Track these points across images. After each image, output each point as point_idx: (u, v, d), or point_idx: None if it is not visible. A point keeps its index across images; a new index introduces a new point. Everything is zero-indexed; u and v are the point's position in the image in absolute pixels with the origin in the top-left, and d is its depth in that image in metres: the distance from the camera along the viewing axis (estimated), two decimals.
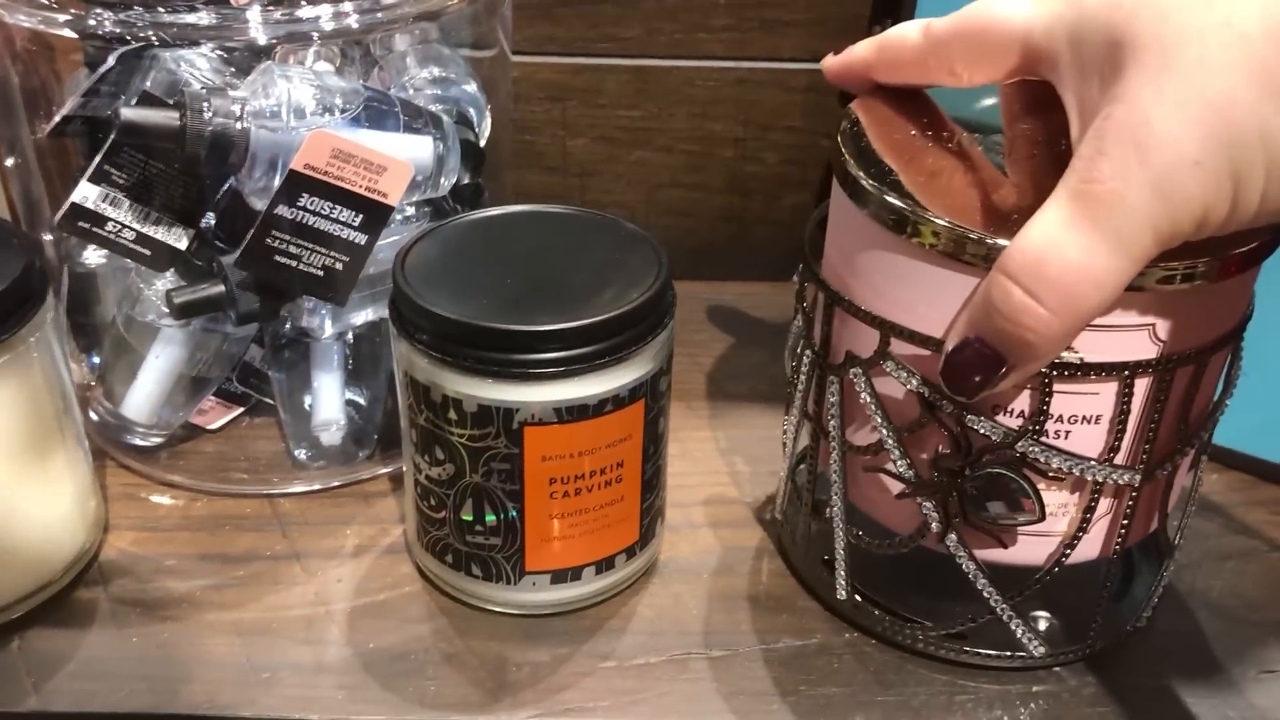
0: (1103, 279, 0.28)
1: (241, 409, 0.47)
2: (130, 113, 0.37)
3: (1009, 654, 0.38)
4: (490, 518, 0.37)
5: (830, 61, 0.37)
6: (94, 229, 0.40)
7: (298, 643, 0.38)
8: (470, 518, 0.37)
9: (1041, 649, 0.37)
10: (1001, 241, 0.30)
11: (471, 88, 0.46)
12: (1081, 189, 0.28)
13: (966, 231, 0.31)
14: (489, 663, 0.38)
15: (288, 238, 0.39)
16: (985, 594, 0.36)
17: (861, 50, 0.36)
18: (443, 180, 0.43)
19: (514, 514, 0.37)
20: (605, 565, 0.39)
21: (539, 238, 0.39)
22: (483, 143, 0.47)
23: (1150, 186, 0.27)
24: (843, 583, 0.38)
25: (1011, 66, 0.32)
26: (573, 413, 0.35)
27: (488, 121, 0.47)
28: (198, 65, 0.41)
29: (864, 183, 0.33)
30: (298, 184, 0.38)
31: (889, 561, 0.37)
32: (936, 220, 0.31)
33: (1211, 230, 0.28)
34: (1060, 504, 0.35)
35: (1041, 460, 0.34)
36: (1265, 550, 0.43)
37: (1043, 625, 0.39)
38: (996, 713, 0.36)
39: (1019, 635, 0.37)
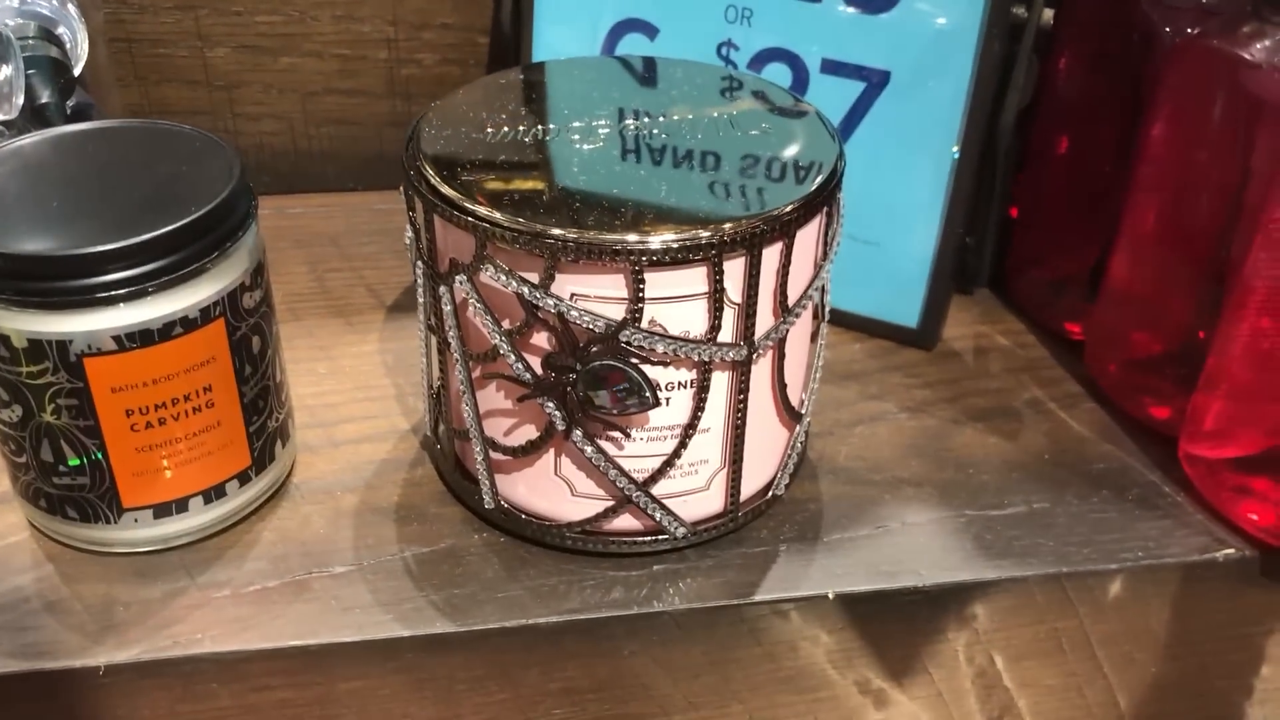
0: None
1: None
2: None
3: (649, 539, 0.38)
4: (74, 460, 0.35)
5: None
6: None
7: None
8: (51, 459, 0.35)
9: (682, 530, 0.38)
10: None
11: (58, 3, 0.42)
12: None
13: None
14: (95, 606, 0.36)
15: None
16: (619, 484, 0.36)
17: None
18: (16, 100, 0.40)
19: (97, 454, 0.35)
20: (216, 494, 0.37)
21: (100, 157, 0.37)
22: (81, 59, 0.43)
23: None
24: (486, 491, 0.38)
25: None
26: (135, 339, 0.33)
27: (83, 34, 0.44)
28: None
29: None
30: None
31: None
32: None
33: None
34: (675, 384, 0.35)
35: (646, 347, 0.34)
36: (895, 412, 0.45)
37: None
38: (616, 593, 0.37)
39: (659, 520, 0.37)
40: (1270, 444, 0.40)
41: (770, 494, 0.40)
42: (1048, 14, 0.42)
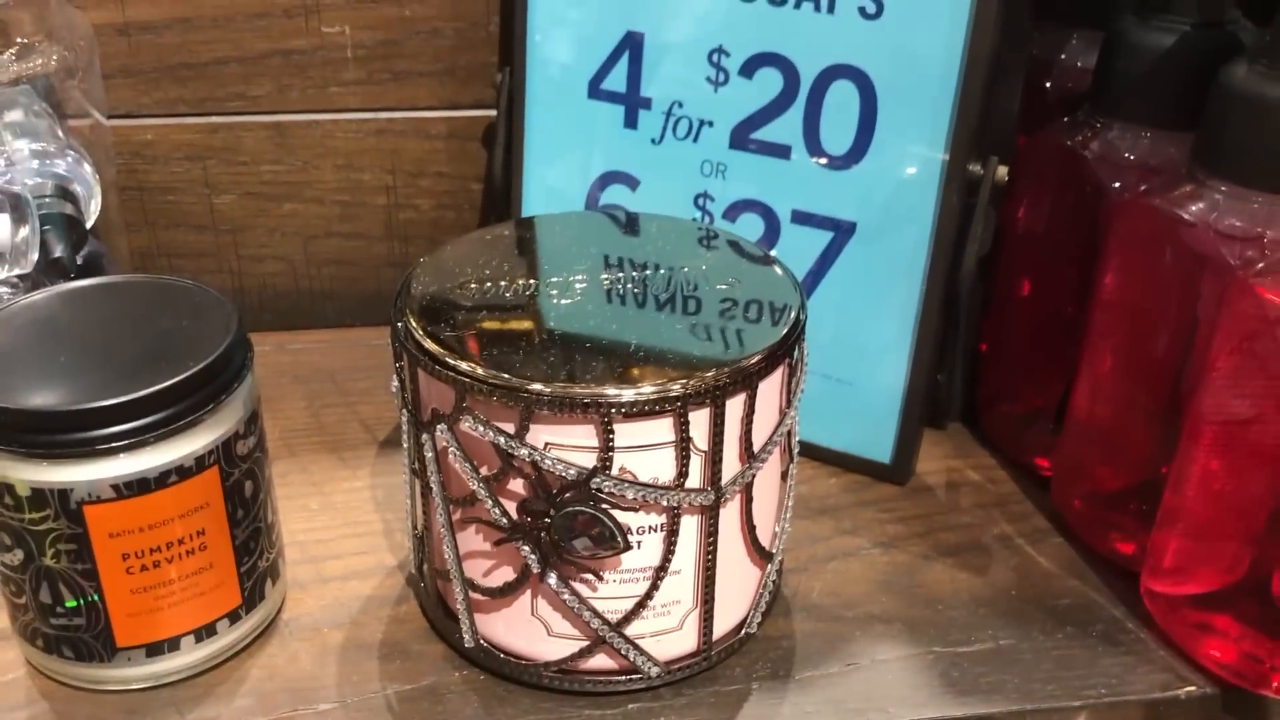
0: None
1: None
2: None
3: (624, 678, 0.39)
4: (71, 602, 0.37)
5: None
6: None
7: None
8: (50, 601, 0.37)
9: (656, 669, 0.39)
10: None
11: (71, 158, 0.45)
12: None
13: None
14: None
15: None
16: (593, 625, 0.38)
17: None
18: (30, 256, 0.42)
19: (94, 595, 0.36)
20: (206, 632, 0.39)
21: (106, 311, 0.39)
22: (94, 214, 0.46)
23: None
24: (466, 630, 0.39)
25: None
26: (132, 488, 0.35)
27: (97, 190, 0.47)
28: None
29: None
30: None
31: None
32: None
33: None
34: (646, 529, 0.37)
35: (616, 493, 0.35)
36: (868, 548, 0.46)
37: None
38: None
39: (633, 660, 0.38)
40: (1228, 581, 0.41)
41: (743, 632, 0.41)
42: (1002, 170, 0.45)
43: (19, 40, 0.42)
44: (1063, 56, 0.49)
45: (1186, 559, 0.42)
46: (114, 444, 0.35)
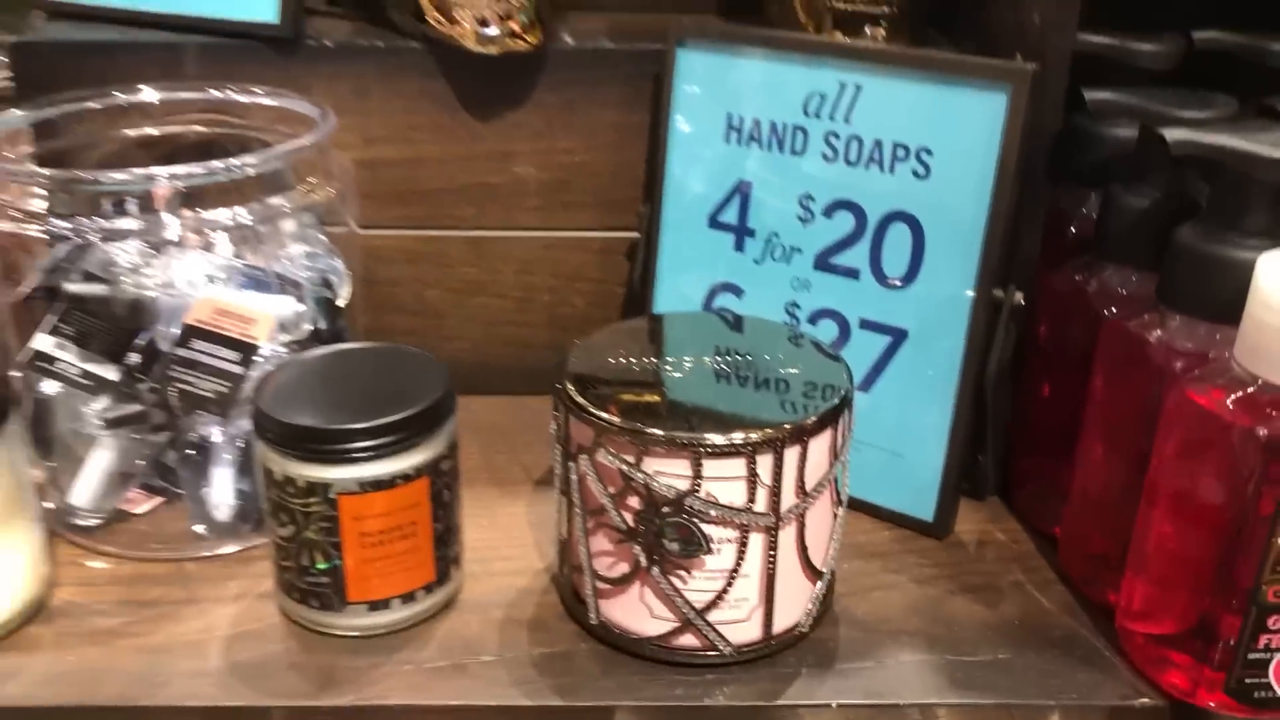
0: None
1: (160, 499, 0.63)
2: (74, 287, 0.54)
3: (705, 654, 0.53)
4: (321, 564, 0.53)
5: None
6: (49, 367, 0.57)
7: (186, 659, 0.53)
8: (307, 564, 0.53)
9: (729, 649, 0.53)
10: None
11: (331, 259, 0.63)
12: None
13: None
14: (323, 669, 0.53)
15: (185, 370, 0.56)
16: (683, 610, 0.52)
17: None
18: (304, 327, 0.60)
19: (337, 561, 0.52)
20: (408, 598, 0.54)
21: (357, 366, 0.56)
22: (343, 299, 0.64)
23: None
24: (592, 611, 0.54)
25: None
26: (371, 485, 0.51)
27: (346, 284, 0.64)
28: (127, 249, 0.58)
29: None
30: (189, 333, 0.55)
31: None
32: None
33: None
34: (724, 539, 0.51)
35: (702, 510, 0.50)
36: (906, 583, 0.59)
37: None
38: (678, 690, 0.52)
39: (711, 640, 0.52)
40: (1185, 626, 0.52)
41: (797, 630, 0.54)
42: (1019, 296, 0.58)
43: (308, 179, 0.60)
44: (1083, 210, 0.62)
45: (1151, 604, 0.53)
46: (361, 454, 0.51)
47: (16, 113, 0.62)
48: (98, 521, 0.61)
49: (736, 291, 0.66)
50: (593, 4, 0.75)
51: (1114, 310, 0.56)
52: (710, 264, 0.67)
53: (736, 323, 0.59)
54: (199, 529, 0.60)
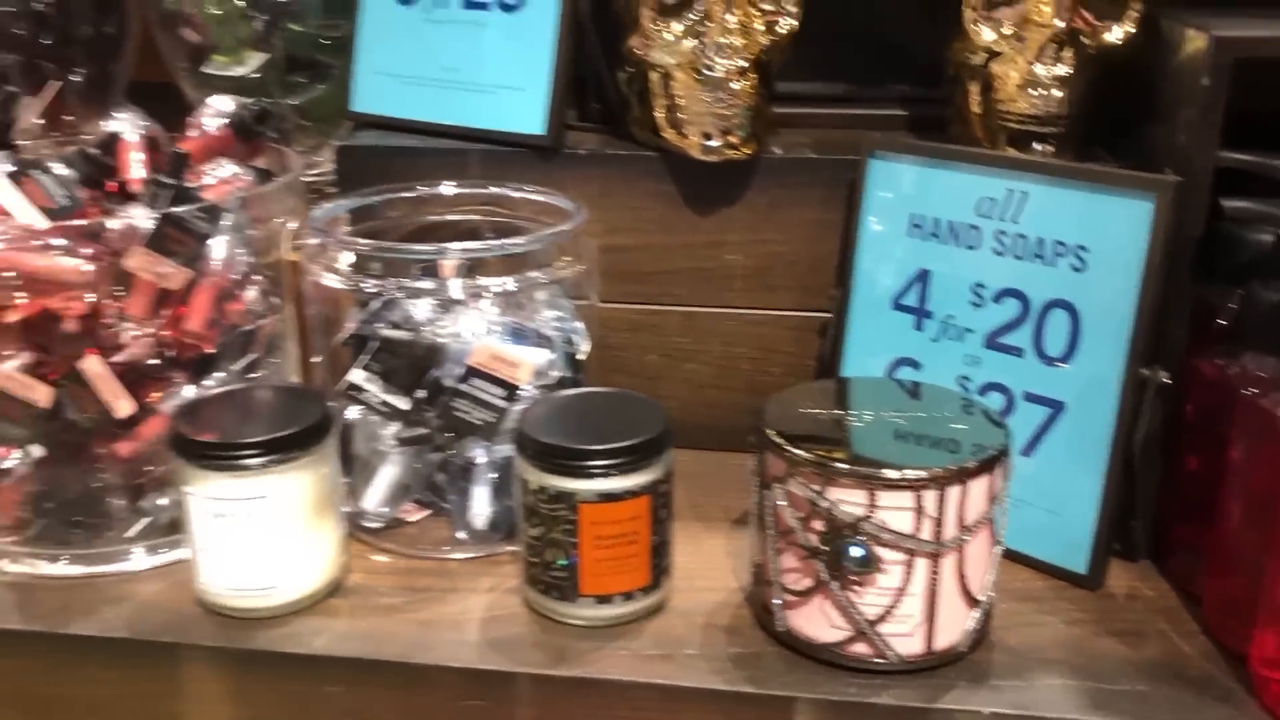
0: None
1: (428, 512, 0.77)
2: (387, 332, 0.70)
3: (875, 660, 0.62)
4: (562, 561, 0.65)
5: None
6: (358, 396, 0.72)
7: (450, 632, 0.66)
8: (551, 560, 0.65)
9: (896, 658, 0.62)
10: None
11: (575, 322, 0.77)
12: None
13: None
14: (557, 648, 0.65)
15: (463, 403, 0.70)
16: (858, 621, 0.62)
17: None
18: (552, 373, 0.73)
19: (574, 558, 0.65)
20: (628, 596, 0.66)
21: (596, 405, 0.69)
22: (583, 354, 0.77)
23: None
24: (779, 620, 0.65)
25: None
26: (607, 497, 0.64)
27: (586, 343, 0.78)
28: (422, 305, 0.73)
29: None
30: (470, 373, 0.69)
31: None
32: None
33: None
34: (893, 561, 0.61)
35: (875, 535, 0.60)
36: (1057, 623, 0.67)
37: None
38: (851, 689, 0.61)
39: (881, 649, 0.62)
40: None
41: (955, 650, 0.63)
42: (1163, 375, 0.67)
43: (563, 258, 0.74)
44: (1227, 304, 0.70)
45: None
46: (599, 471, 0.63)
47: (343, 201, 0.79)
48: (381, 524, 0.75)
49: (915, 365, 0.77)
50: (800, 122, 0.88)
51: (1251, 390, 0.64)
52: (892, 341, 0.77)
53: (914, 389, 0.70)
54: (461, 535, 0.74)
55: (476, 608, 0.69)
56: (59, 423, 0.69)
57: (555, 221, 0.77)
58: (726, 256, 0.83)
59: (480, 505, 0.74)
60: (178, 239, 0.67)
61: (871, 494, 0.59)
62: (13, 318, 0.67)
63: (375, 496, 0.75)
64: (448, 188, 0.82)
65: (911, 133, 0.87)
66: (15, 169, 0.72)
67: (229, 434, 0.65)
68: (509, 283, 0.71)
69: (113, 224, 0.67)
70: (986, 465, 0.61)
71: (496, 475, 0.74)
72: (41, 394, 0.68)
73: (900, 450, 0.62)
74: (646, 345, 0.86)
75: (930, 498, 0.60)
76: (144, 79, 1.05)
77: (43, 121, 0.78)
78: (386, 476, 0.75)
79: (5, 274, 0.66)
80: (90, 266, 0.65)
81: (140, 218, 0.66)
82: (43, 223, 0.70)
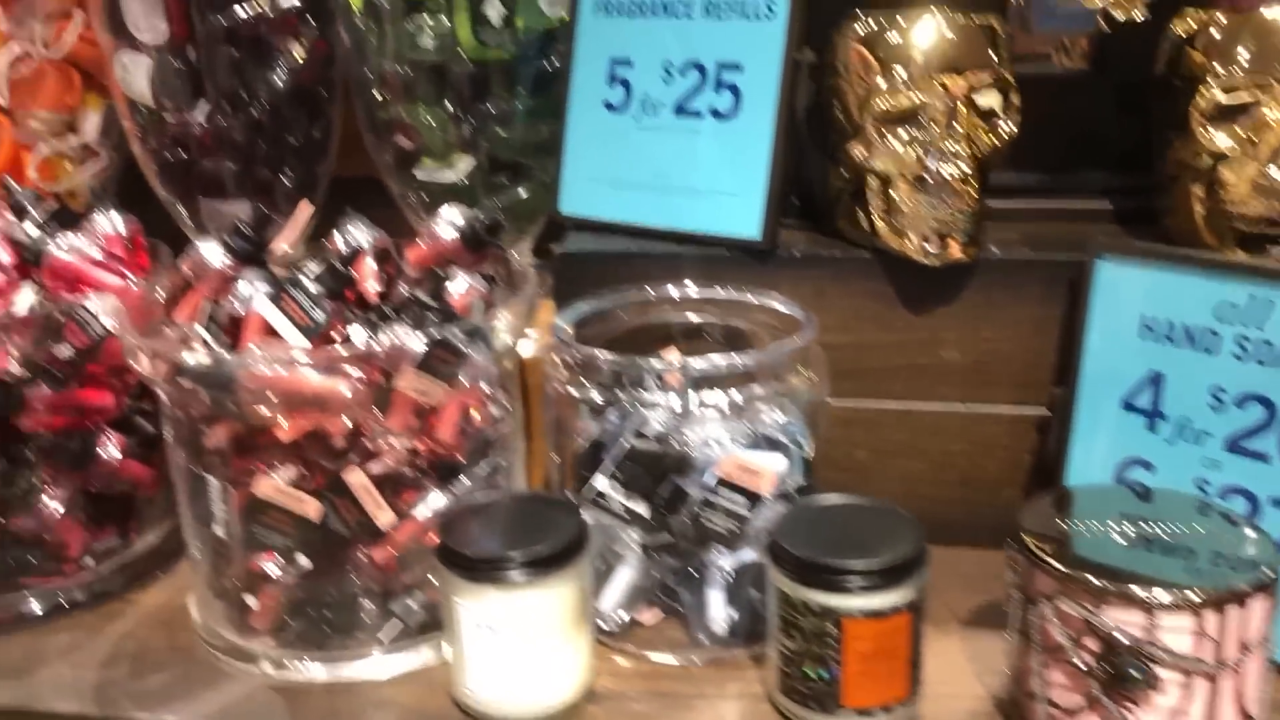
0: None
1: (661, 615, 0.79)
2: (632, 442, 0.72)
3: None
4: (822, 674, 0.66)
5: None
6: (602, 503, 0.74)
7: None
8: (809, 672, 0.66)
9: None
10: None
11: (800, 426, 0.78)
12: None
13: None
14: None
15: (709, 511, 0.72)
16: None
17: None
18: (788, 481, 0.75)
19: (836, 671, 0.66)
20: (887, 709, 0.67)
21: (849, 515, 0.70)
22: (810, 455, 0.79)
23: None
24: None
25: None
26: (873, 614, 0.65)
27: (811, 445, 0.79)
28: (659, 415, 0.75)
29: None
30: (720, 483, 0.71)
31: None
32: None
33: None
34: (1173, 682, 0.61)
35: (1155, 655, 0.60)
36: None
37: None
38: None
39: None
40: None
41: None
42: None
43: (790, 375, 0.76)
44: None
45: None
46: (865, 587, 0.64)
47: (584, 305, 0.82)
48: (618, 627, 0.77)
49: (1147, 465, 0.77)
50: (1005, 214, 0.89)
51: None
52: (1123, 441, 0.77)
53: (1145, 493, 0.70)
54: (701, 638, 0.75)
55: (729, 714, 0.70)
56: (321, 532, 0.72)
57: (771, 322, 0.78)
58: (942, 353, 0.84)
59: (718, 609, 0.75)
60: (443, 358, 0.69)
61: (1150, 615, 0.60)
62: (288, 436, 0.70)
63: (612, 599, 0.77)
64: (674, 290, 0.84)
65: (1119, 225, 0.87)
66: (273, 290, 0.75)
67: (497, 549, 0.68)
68: (755, 390, 0.73)
69: (380, 344, 0.70)
70: (1265, 585, 0.61)
71: (732, 578, 0.76)
72: (311, 508, 0.71)
73: (1175, 567, 0.62)
74: (857, 441, 0.87)
75: (1211, 619, 0.60)
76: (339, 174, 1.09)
77: (298, 244, 0.81)
78: (623, 579, 0.77)
79: (281, 394, 0.69)
80: (361, 388, 0.68)
81: (409, 338, 0.69)
82: (302, 341, 0.73)
